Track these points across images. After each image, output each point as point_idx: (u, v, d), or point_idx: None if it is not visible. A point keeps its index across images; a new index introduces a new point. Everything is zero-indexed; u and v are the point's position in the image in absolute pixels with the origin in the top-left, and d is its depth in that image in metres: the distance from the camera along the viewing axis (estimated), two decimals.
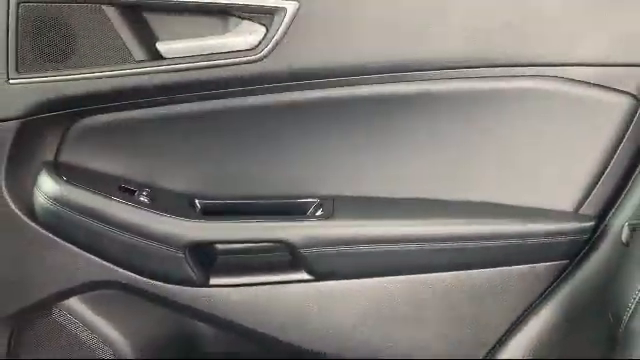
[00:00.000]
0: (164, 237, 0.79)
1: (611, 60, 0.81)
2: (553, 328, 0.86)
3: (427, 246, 0.84)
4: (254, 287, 0.84)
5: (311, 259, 0.82)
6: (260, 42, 0.77)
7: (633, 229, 0.75)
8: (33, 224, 0.80)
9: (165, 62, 0.77)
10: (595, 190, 0.85)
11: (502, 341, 0.87)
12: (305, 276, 0.84)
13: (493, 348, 0.88)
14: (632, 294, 0.67)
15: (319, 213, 0.84)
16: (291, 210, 0.85)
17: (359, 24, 0.79)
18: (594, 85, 0.82)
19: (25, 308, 0.83)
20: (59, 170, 0.81)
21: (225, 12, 0.78)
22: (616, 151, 0.84)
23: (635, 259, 0.70)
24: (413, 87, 0.83)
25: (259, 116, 0.83)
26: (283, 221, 0.83)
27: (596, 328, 0.78)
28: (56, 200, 0.79)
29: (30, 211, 0.81)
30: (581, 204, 0.85)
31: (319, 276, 0.84)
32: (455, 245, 0.84)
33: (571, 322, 0.85)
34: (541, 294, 0.86)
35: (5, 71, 0.75)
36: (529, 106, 0.83)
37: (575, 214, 0.85)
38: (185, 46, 0.78)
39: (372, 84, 0.82)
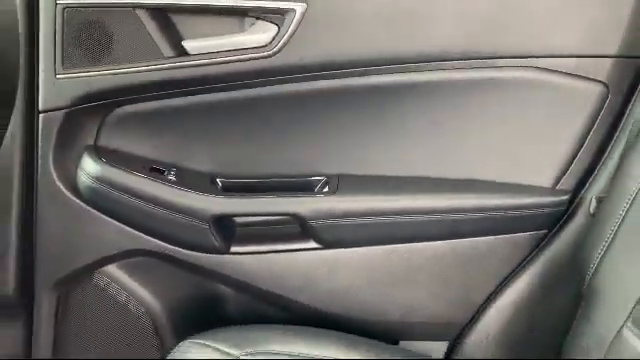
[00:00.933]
0: (191, 211, 0.91)
1: (583, 52, 0.91)
2: (533, 289, 0.96)
3: (421, 218, 0.94)
4: (269, 254, 0.95)
5: (318, 230, 0.94)
6: (273, 39, 0.88)
7: (599, 201, 0.86)
8: (77, 200, 0.92)
9: (190, 58, 0.88)
10: (571, 168, 0.95)
11: (488, 301, 0.98)
12: (313, 245, 0.95)
13: (480, 307, 0.99)
14: (595, 256, 0.78)
15: (325, 189, 0.95)
16: (301, 187, 0.96)
17: (360, 22, 0.90)
18: (569, 74, 0.92)
19: (70, 274, 0.94)
20: (98, 153, 0.93)
21: (242, 13, 0.89)
22: (589, 133, 0.94)
23: (599, 226, 0.80)
24: (408, 77, 0.93)
25: (272, 105, 0.94)
26: (294, 197, 0.94)
27: (568, 288, 0.88)
28: (96, 179, 0.91)
29: (74, 189, 0.92)
30: (558, 180, 0.96)
31: (326, 245, 0.95)
32: (446, 217, 0.95)
33: (548, 284, 0.96)
34: (522, 260, 0.97)
35: (53, 67, 0.86)
36: (511, 93, 0.94)
37: (552, 189, 0.96)
38: (207, 44, 0.89)
39: (372, 75, 0.93)
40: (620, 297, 0.73)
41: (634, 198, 0.74)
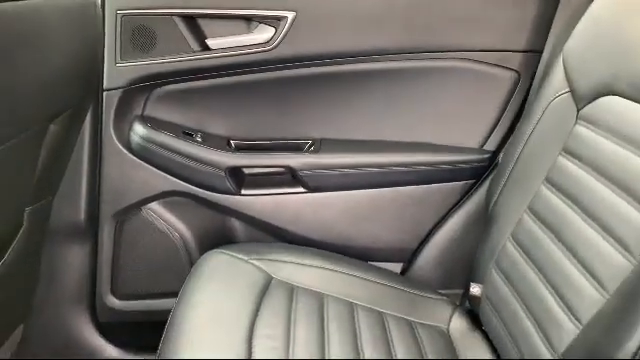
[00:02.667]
0: (212, 162, 1.24)
1: (500, 47, 1.22)
2: (464, 224, 1.29)
3: (381, 170, 1.27)
4: (269, 196, 1.28)
5: (305, 178, 1.26)
6: (271, 38, 1.19)
7: (504, 155, 1.18)
8: (129, 154, 1.23)
9: (211, 52, 1.20)
10: (492, 134, 1.28)
11: (431, 233, 1.31)
12: (301, 189, 1.28)
13: (426, 237, 1.32)
14: (496, 193, 1.11)
15: (311, 149, 1.28)
16: (293, 147, 1.29)
17: (335, 25, 1.20)
18: (490, 64, 1.23)
19: (125, 208, 1.26)
20: (145, 120, 1.25)
21: (249, 19, 1.20)
22: (506, 107, 1.26)
23: (501, 172, 1.12)
24: (372, 66, 1.24)
25: (271, 86, 1.26)
26: (287, 154, 1.27)
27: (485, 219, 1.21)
28: (144, 139, 1.23)
29: (128, 146, 1.24)
30: (483, 143, 1.28)
31: (310, 189, 1.28)
32: (400, 169, 1.27)
33: (474, 219, 1.28)
34: (457, 202, 1.30)
35: (114, 58, 1.18)
36: (448, 78, 1.25)
37: (479, 149, 1.28)
38: (224, 41, 1.20)
39: (344, 64, 1.24)
40: (506, 220, 1.05)
41: (521, 152, 1.07)
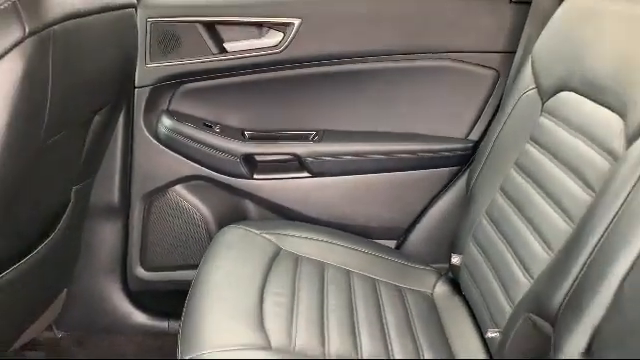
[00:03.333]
0: (228, 150, 1.42)
1: (481, 49, 1.39)
2: (449, 205, 1.45)
3: (376, 157, 1.44)
4: (278, 180, 1.45)
5: (309, 164, 1.44)
6: (280, 42, 1.37)
7: (482, 143, 1.34)
8: (157, 143, 1.42)
9: (228, 54, 1.38)
10: (476, 125, 1.44)
11: (422, 213, 1.48)
12: (306, 174, 1.45)
13: (417, 217, 1.49)
14: (475, 176, 1.27)
15: (315, 138, 1.45)
16: (299, 137, 1.46)
17: (335, 30, 1.38)
18: (473, 64, 1.40)
19: (153, 190, 1.44)
20: (170, 114, 1.44)
21: (260, 25, 1.38)
22: (487, 102, 1.42)
23: (477, 158, 1.28)
24: (368, 65, 1.41)
25: (280, 83, 1.43)
26: (294, 142, 1.45)
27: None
28: (170, 130, 1.42)
29: (155, 136, 1.42)
30: (468, 133, 1.45)
31: (314, 174, 1.45)
32: (393, 156, 1.44)
33: (457, 202, 1.44)
34: (444, 186, 1.46)
35: (144, 60, 1.36)
36: (436, 76, 1.42)
37: (464, 139, 1.45)
38: (239, 44, 1.38)
39: (346, 64, 1.41)
40: (482, 199, 1.22)
41: (495, 140, 1.24)
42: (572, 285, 0.80)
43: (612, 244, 0.75)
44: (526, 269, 0.98)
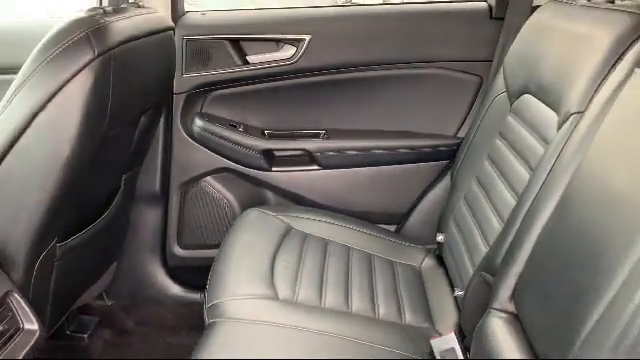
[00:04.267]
0: (251, 146, 1.68)
1: (467, 59, 1.61)
2: (440, 192, 1.67)
3: (377, 152, 1.67)
4: (292, 172, 1.70)
5: (319, 158, 1.69)
6: (293, 55, 1.62)
7: (464, 139, 1.56)
8: (191, 140, 1.69)
9: (250, 65, 1.64)
10: (463, 124, 1.66)
11: (417, 200, 1.69)
12: (316, 167, 1.70)
13: (413, 204, 1.71)
14: (456, 167, 1.49)
15: (324, 136, 1.70)
16: (310, 135, 1.71)
17: (341, 43, 1.62)
18: (460, 71, 1.62)
19: (188, 180, 1.71)
20: (202, 116, 1.71)
21: (277, 41, 1.64)
22: (473, 104, 1.64)
23: (459, 152, 1.51)
24: (370, 73, 1.65)
25: (295, 89, 1.68)
26: (306, 140, 1.70)
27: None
28: (202, 129, 1.69)
29: (190, 135, 1.69)
30: (457, 131, 1.67)
31: (323, 167, 1.69)
32: (392, 152, 1.68)
33: (445, 189, 1.66)
34: (436, 178, 1.68)
35: (181, 71, 1.63)
36: (429, 82, 1.65)
37: (453, 136, 1.67)
38: (260, 57, 1.64)
39: (350, 72, 1.65)
40: (462, 187, 1.44)
41: (473, 137, 1.46)
42: (509, 245, 1.02)
43: (535, 209, 0.97)
44: (485, 239, 1.20)
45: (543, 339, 0.82)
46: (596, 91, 0.94)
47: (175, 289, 1.80)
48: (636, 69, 0.83)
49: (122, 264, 1.73)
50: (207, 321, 1.15)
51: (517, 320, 0.95)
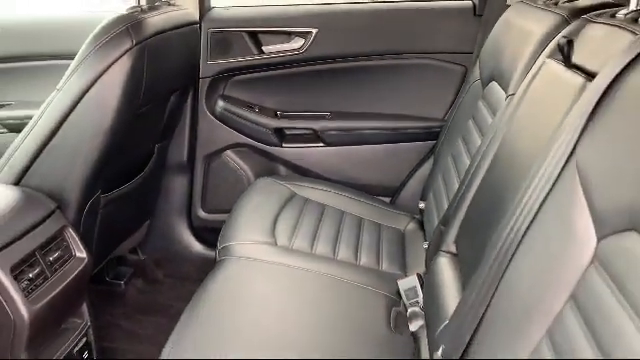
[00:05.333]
0: (265, 125, 1.95)
1: (453, 50, 1.83)
2: (428, 166, 1.91)
3: (373, 132, 1.92)
4: (300, 148, 1.97)
5: (323, 136, 1.94)
6: (302, 45, 1.88)
7: (446, 121, 1.79)
8: (214, 119, 1.97)
9: (265, 55, 1.91)
10: (450, 108, 1.88)
11: (409, 174, 1.94)
12: (322, 144, 1.96)
13: (406, 177, 1.95)
14: (438, 145, 1.73)
15: (328, 117, 1.95)
16: (316, 116, 1.96)
17: (343, 36, 1.87)
18: (446, 62, 1.85)
19: (211, 153, 1.99)
20: (224, 98, 1.98)
21: (289, 33, 1.89)
22: (459, 90, 1.86)
23: (441, 132, 1.74)
24: (369, 63, 1.90)
25: (303, 76, 1.94)
26: (313, 120, 1.95)
27: None
28: (223, 109, 1.97)
29: (213, 114, 1.97)
30: (445, 114, 1.89)
31: (327, 144, 1.95)
32: (388, 132, 1.92)
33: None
34: (426, 155, 1.92)
35: (206, 58, 1.91)
36: (421, 71, 1.88)
37: (442, 119, 1.90)
38: (273, 47, 1.91)
39: (351, 61, 1.90)
40: (441, 161, 1.67)
41: (452, 119, 1.68)
42: (458, 199, 1.26)
43: (476, 169, 1.20)
44: (448, 199, 1.43)
45: (467, 270, 1.06)
46: (525, 77, 1.16)
47: (198, 247, 2.09)
48: (547, 59, 1.06)
49: (154, 223, 2.03)
50: (218, 259, 1.43)
51: (457, 258, 1.19)
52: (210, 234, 2.08)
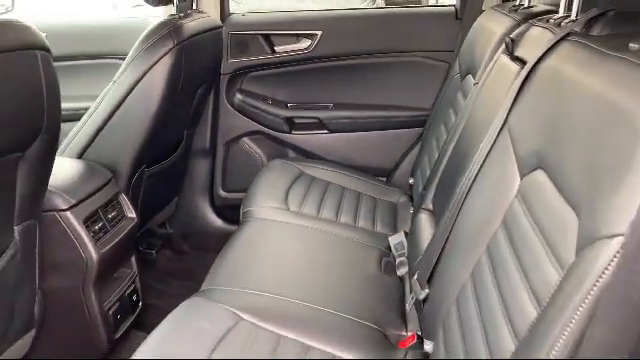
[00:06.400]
0: (277, 115, 2.26)
1: (438, 49, 2.14)
2: (417, 150, 2.22)
3: (370, 120, 2.23)
4: (307, 135, 2.28)
5: (328, 124, 2.25)
6: (309, 46, 2.19)
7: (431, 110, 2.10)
8: (233, 109, 2.28)
9: (277, 54, 2.22)
10: (435, 100, 2.19)
11: (403, 156, 2.24)
12: (326, 131, 2.27)
13: (399, 159, 2.25)
14: (425, 130, 2.04)
15: (332, 108, 2.26)
16: (321, 107, 2.27)
17: (344, 37, 2.18)
18: (432, 59, 2.16)
19: (229, 139, 2.30)
20: (242, 91, 2.29)
21: (297, 35, 2.21)
22: (442, 85, 2.16)
23: (428, 119, 2.05)
24: (367, 60, 2.21)
25: (310, 72, 2.25)
26: (318, 110, 2.26)
27: None
28: (241, 101, 2.28)
29: (232, 105, 2.28)
30: (431, 105, 2.20)
31: (330, 131, 2.26)
32: (383, 120, 2.23)
33: None
34: (417, 138, 2.23)
35: (227, 57, 2.22)
36: (411, 67, 2.19)
37: (429, 108, 2.20)
38: (284, 48, 2.22)
39: (351, 59, 2.21)
40: (426, 143, 1.97)
41: (436, 108, 1.99)
42: (436, 166, 1.56)
43: (449, 141, 1.51)
44: (430, 169, 1.74)
45: (438, 220, 1.37)
46: (486, 69, 1.47)
47: (219, 222, 2.40)
48: (501, 54, 1.36)
49: (180, 202, 2.34)
50: (241, 220, 1.74)
51: (432, 214, 1.49)
52: (229, 211, 2.40)
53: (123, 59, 1.66)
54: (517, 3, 1.68)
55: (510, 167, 1.03)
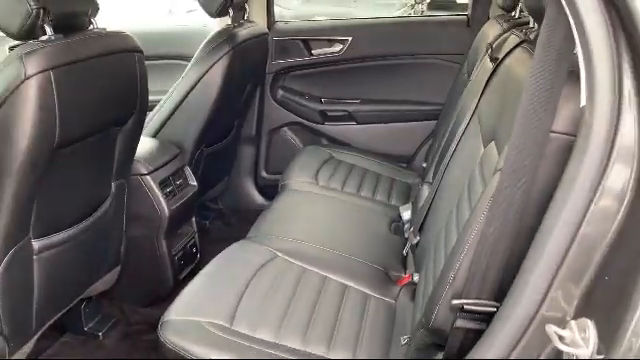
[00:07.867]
0: (312, 108, 2.66)
1: (450, 52, 2.49)
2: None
3: (393, 113, 2.60)
4: (337, 126, 2.67)
5: (356, 116, 2.64)
6: (341, 49, 2.58)
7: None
8: (276, 104, 2.69)
9: (314, 56, 2.62)
10: (448, 96, 2.53)
11: (420, 146, 2.60)
12: (354, 123, 2.65)
13: (416, 149, 2.61)
14: (439, 120, 2.39)
15: (359, 102, 2.64)
16: (350, 102, 2.65)
17: (371, 41, 2.56)
18: (446, 60, 2.51)
19: (272, 129, 2.69)
20: (283, 88, 2.69)
21: (331, 40, 2.60)
22: (455, 82, 2.51)
23: (441, 110, 2.40)
24: (389, 61, 2.58)
25: (342, 72, 2.64)
26: (348, 104, 2.65)
27: None
28: (283, 97, 2.69)
29: (275, 99, 2.68)
30: (445, 101, 2.54)
31: (358, 123, 2.65)
32: (403, 113, 2.59)
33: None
34: (433, 129, 2.57)
35: (271, 59, 2.63)
36: (427, 68, 2.55)
37: (442, 104, 2.54)
38: (320, 51, 2.62)
39: (376, 61, 2.59)
40: (439, 135, 2.33)
41: (449, 102, 2.34)
42: (438, 147, 1.92)
43: (447, 125, 1.86)
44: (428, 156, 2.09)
45: (431, 184, 1.73)
46: (477, 68, 1.81)
47: (261, 199, 2.81)
48: (486, 56, 1.71)
49: (230, 181, 2.76)
50: (279, 191, 2.14)
51: (431, 185, 1.85)
52: (270, 190, 2.79)
53: (184, 59, 2.09)
54: (512, 14, 2.02)
55: (477, 142, 1.39)
